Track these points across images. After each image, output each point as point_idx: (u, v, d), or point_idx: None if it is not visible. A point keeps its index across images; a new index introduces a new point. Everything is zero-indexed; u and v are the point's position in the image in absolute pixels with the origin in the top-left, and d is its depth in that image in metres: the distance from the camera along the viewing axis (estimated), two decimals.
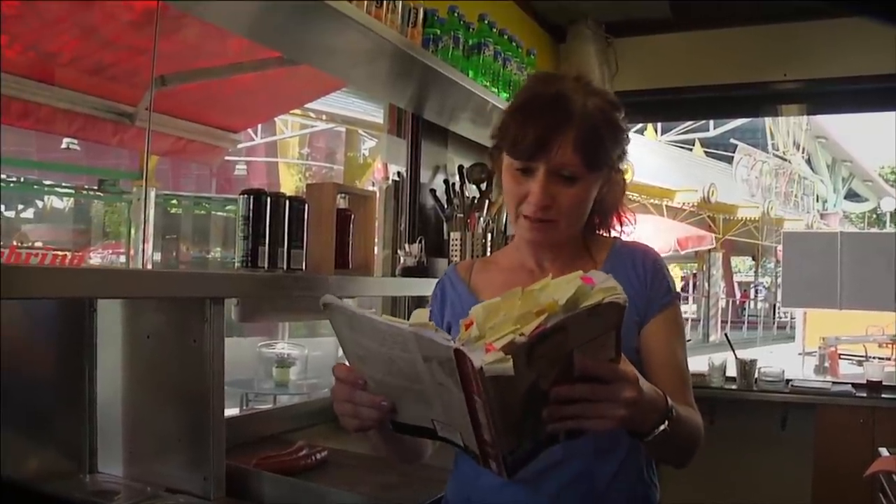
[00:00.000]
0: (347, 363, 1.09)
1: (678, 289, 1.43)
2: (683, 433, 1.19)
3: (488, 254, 2.79)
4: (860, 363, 8.79)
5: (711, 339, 15.93)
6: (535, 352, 0.90)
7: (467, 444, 0.99)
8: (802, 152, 19.88)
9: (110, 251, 7.61)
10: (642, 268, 1.34)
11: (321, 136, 10.18)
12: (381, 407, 1.05)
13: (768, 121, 17.53)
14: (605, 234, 1.46)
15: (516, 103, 1.34)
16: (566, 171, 1.26)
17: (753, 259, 22.97)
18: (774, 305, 20.06)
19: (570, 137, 1.24)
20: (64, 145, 5.86)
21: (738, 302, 20.55)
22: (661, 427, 1.10)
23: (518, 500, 1.30)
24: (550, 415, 0.97)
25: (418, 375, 0.96)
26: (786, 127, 18.58)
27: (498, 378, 0.88)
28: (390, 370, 1.00)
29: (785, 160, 18.91)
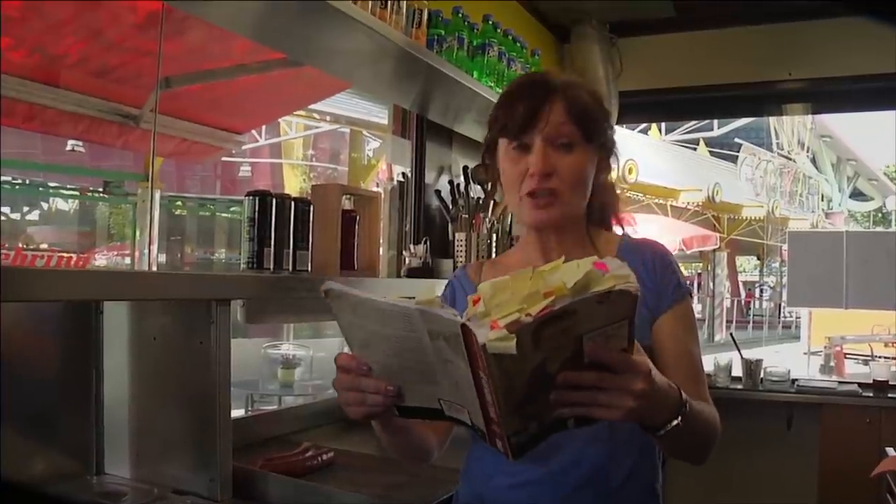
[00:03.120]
0: (349, 351, 1.09)
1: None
2: (699, 428, 1.18)
3: (493, 254, 2.78)
4: (866, 362, 8.80)
5: (717, 338, 15.91)
6: (542, 333, 0.89)
7: (475, 423, 0.98)
8: (807, 151, 19.86)
9: (115, 253, 7.63)
10: (652, 264, 1.34)
11: (325, 138, 10.19)
12: (388, 391, 1.04)
13: (773, 120, 17.50)
14: (609, 232, 1.46)
15: (502, 94, 1.38)
16: (562, 138, 1.28)
17: (758, 258, 22.94)
18: (779, 305, 20.05)
19: (559, 106, 1.28)
20: (69, 147, 5.88)
21: (743, 301, 20.51)
22: (675, 422, 1.09)
23: (532, 499, 1.29)
24: (557, 399, 0.96)
25: (425, 354, 0.95)
26: (790, 126, 18.55)
27: (501, 356, 0.87)
28: (396, 352, 0.99)
29: (790, 159, 18.89)
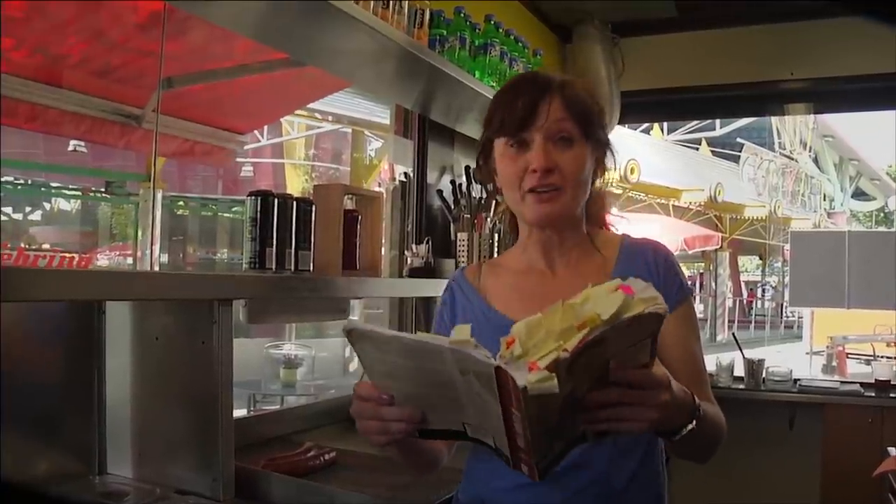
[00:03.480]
0: (370, 380, 1.08)
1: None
2: (708, 430, 1.19)
3: (496, 254, 2.78)
4: (868, 362, 8.79)
5: (719, 338, 15.93)
6: (576, 364, 0.90)
7: (499, 447, 0.99)
8: (809, 151, 19.85)
9: (117, 253, 7.64)
10: (654, 265, 1.34)
11: (327, 138, 10.19)
12: (412, 418, 1.04)
13: (775, 120, 17.49)
14: (609, 231, 1.45)
15: (498, 93, 1.38)
16: (562, 133, 1.28)
17: (760, 258, 22.95)
18: (782, 305, 20.05)
19: (557, 101, 1.28)
20: (71, 147, 5.88)
21: (745, 301, 20.51)
22: (690, 426, 1.11)
23: (534, 501, 1.29)
24: (586, 421, 0.98)
25: (454, 385, 0.95)
26: (792, 126, 18.54)
27: (540, 396, 0.87)
28: (422, 382, 0.99)
29: (792, 159, 18.87)
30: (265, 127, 8.50)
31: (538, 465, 0.96)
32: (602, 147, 1.36)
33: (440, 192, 3.01)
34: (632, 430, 1.01)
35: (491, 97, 2.50)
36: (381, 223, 2.37)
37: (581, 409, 0.96)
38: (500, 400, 0.90)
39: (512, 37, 2.77)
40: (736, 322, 17.51)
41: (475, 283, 1.44)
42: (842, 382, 4.12)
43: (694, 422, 1.11)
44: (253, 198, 1.85)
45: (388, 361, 1.00)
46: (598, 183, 1.38)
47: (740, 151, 17.16)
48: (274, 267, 1.86)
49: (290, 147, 10.03)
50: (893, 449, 2.93)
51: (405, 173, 2.98)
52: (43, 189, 7.29)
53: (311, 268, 1.97)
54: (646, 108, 4.44)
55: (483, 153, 1.40)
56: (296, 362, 5.44)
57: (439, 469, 1.41)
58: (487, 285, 1.44)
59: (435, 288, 2.41)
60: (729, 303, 18.20)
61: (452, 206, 2.95)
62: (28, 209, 8.18)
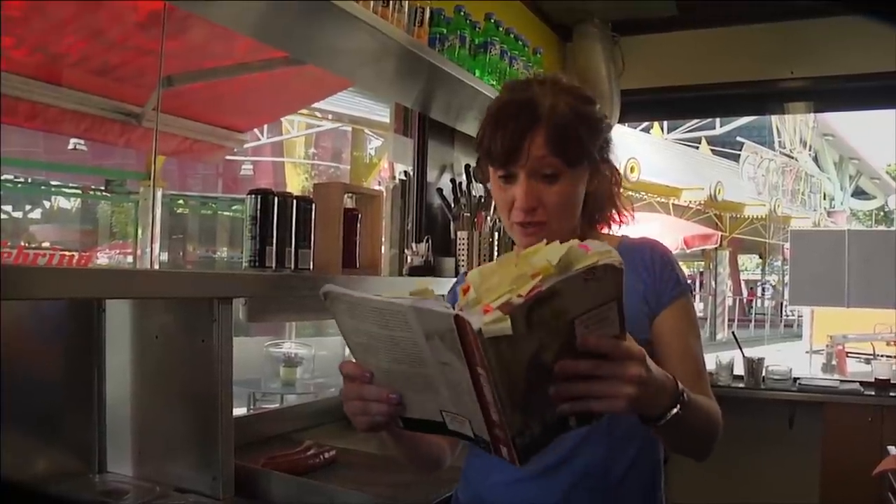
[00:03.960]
0: (353, 358, 1.08)
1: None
2: (699, 420, 1.17)
3: (496, 253, 2.78)
4: (868, 361, 8.80)
5: (718, 337, 15.93)
6: (534, 316, 0.89)
7: (477, 433, 0.98)
8: (809, 150, 19.84)
9: (117, 251, 7.65)
10: (651, 262, 1.34)
11: (327, 136, 10.19)
12: (390, 399, 1.03)
13: (775, 118, 17.49)
14: (609, 233, 1.45)
15: (488, 114, 1.35)
16: (546, 169, 1.27)
17: (760, 257, 22.96)
18: (781, 303, 20.06)
19: (540, 137, 1.25)
20: (71, 146, 5.88)
21: (744, 300, 20.52)
22: (674, 411, 1.07)
23: (530, 496, 1.29)
24: (557, 394, 0.95)
25: (422, 357, 0.95)
26: (792, 125, 18.53)
27: (498, 341, 0.86)
28: (395, 356, 0.99)
29: (792, 158, 18.86)
30: (265, 125, 8.49)
31: (515, 442, 0.94)
32: (594, 161, 1.34)
33: (440, 190, 3.01)
34: (607, 408, 0.98)
35: (490, 95, 2.53)
36: (380, 222, 2.38)
37: (551, 382, 0.95)
38: (465, 359, 0.89)
39: (512, 35, 2.77)
40: (736, 321, 17.51)
41: None
42: (841, 381, 4.13)
43: (678, 406, 1.08)
44: (253, 196, 1.86)
45: (361, 331, 1.00)
46: (596, 185, 1.36)
47: (740, 150, 17.14)
48: (274, 265, 1.86)
49: (290, 145, 10.02)
50: (893, 448, 2.93)
51: (405, 172, 2.98)
52: (43, 187, 7.30)
53: (311, 266, 1.98)
54: (646, 106, 4.44)
55: (481, 170, 1.40)
56: (295, 361, 5.43)
57: (443, 467, 1.40)
58: None
59: (435, 287, 2.41)
60: (729, 301, 18.20)
61: (452, 205, 2.95)
62: (28, 207, 8.18)
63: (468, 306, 0.93)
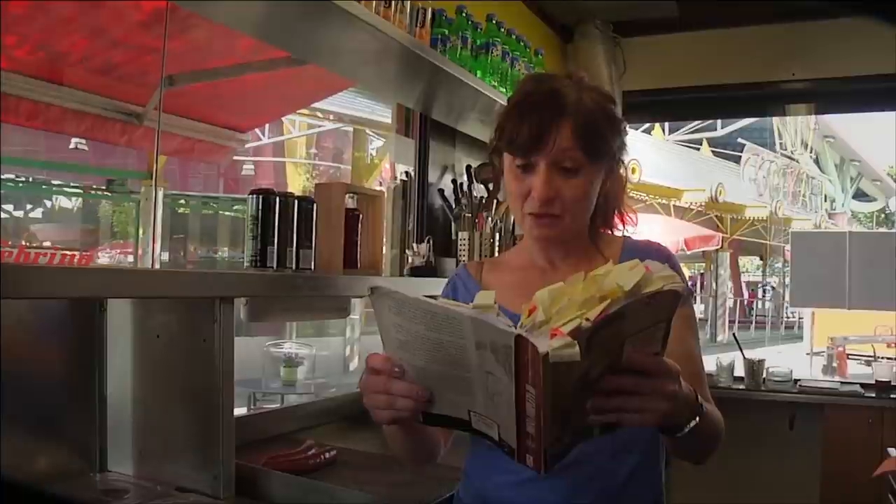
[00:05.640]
0: (384, 352, 1.05)
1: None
2: (710, 429, 1.18)
3: (496, 254, 2.78)
4: (868, 363, 8.79)
5: (719, 338, 15.93)
6: (594, 339, 0.89)
7: (503, 438, 0.97)
8: (810, 152, 19.84)
9: (118, 251, 7.66)
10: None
11: (329, 136, 10.21)
12: (420, 396, 1.02)
13: (776, 120, 17.51)
14: (611, 233, 1.45)
15: (511, 103, 1.34)
16: (567, 162, 1.26)
17: (761, 259, 22.96)
18: (782, 305, 20.04)
19: (567, 128, 1.25)
20: (72, 145, 5.89)
21: (745, 302, 20.51)
22: (693, 423, 1.09)
23: (534, 497, 1.29)
24: (596, 407, 0.96)
25: (466, 362, 0.94)
26: (794, 126, 18.55)
27: (559, 365, 0.86)
28: (435, 357, 0.97)
29: (793, 160, 18.87)
30: (266, 125, 8.50)
31: (545, 454, 0.93)
32: (612, 161, 1.34)
33: (441, 191, 3.01)
34: (640, 422, 1.00)
35: (492, 96, 2.53)
36: (382, 222, 2.37)
37: (590, 395, 0.95)
38: (514, 375, 0.89)
39: (514, 36, 2.77)
40: (736, 322, 17.51)
41: (477, 278, 1.45)
42: (842, 383, 4.12)
43: (697, 418, 1.10)
44: (255, 196, 1.86)
45: (404, 328, 0.99)
46: (609, 185, 1.36)
47: (741, 152, 17.16)
48: (275, 265, 1.86)
49: (292, 146, 10.04)
50: (893, 450, 2.93)
51: (406, 172, 2.98)
52: (44, 187, 7.30)
53: (313, 266, 1.98)
54: (647, 108, 4.43)
55: (495, 154, 1.39)
56: (296, 361, 5.45)
57: (435, 462, 1.40)
58: (489, 280, 1.44)
59: (436, 287, 2.40)
60: (729, 303, 18.19)
61: (453, 206, 2.95)
62: (29, 207, 8.20)
63: (535, 327, 0.92)
